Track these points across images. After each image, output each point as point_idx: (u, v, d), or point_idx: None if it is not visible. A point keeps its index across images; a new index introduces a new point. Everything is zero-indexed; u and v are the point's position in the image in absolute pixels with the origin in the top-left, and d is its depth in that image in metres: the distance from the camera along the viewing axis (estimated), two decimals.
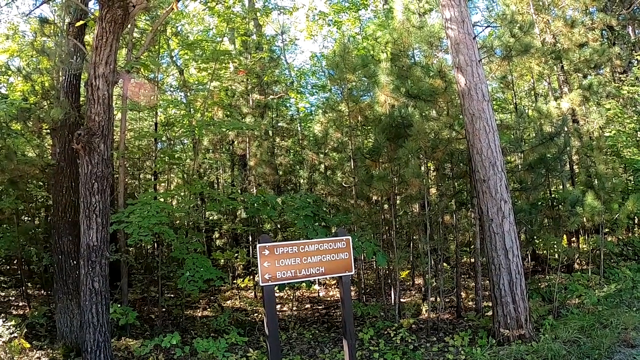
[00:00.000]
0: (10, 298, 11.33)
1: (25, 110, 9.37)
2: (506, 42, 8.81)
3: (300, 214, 8.92)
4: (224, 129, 12.44)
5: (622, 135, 13.63)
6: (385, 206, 10.51)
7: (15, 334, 7.64)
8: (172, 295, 11.71)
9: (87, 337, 6.17)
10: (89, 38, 9.99)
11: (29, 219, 12.22)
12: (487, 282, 8.45)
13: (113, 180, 9.71)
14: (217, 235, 15.64)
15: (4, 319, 7.97)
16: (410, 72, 9.93)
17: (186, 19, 15.97)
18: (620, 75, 16.46)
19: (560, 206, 10.31)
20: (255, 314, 10.72)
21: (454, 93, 9.09)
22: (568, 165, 12.30)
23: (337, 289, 12.62)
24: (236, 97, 16.11)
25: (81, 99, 9.17)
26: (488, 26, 10.19)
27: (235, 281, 13.26)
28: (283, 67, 19.12)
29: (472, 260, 11.27)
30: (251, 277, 13.07)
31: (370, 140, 12.55)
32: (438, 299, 9.58)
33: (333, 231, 8.40)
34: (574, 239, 12.64)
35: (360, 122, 12.15)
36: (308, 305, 11.79)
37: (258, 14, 17.33)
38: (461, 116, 8.58)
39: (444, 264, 11.17)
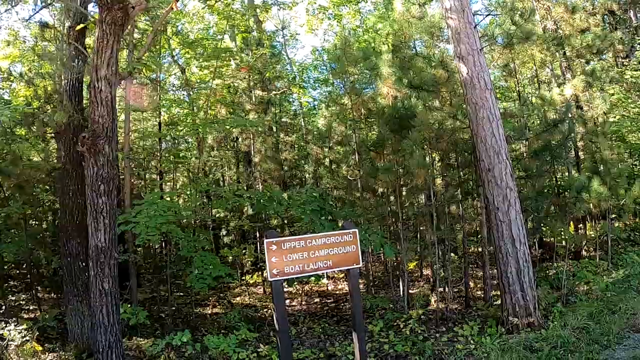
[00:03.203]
0: (21, 302, 11.39)
1: (29, 115, 9.39)
2: (507, 30, 8.77)
3: (306, 209, 8.93)
4: (227, 127, 12.46)
5: (627, 120, 13.56)
6: (391, 198, 10.52)
7: (27, 338, 7.71)
8: (181, 294, 11.77)
9: (99, 338, 6.22)
10: (89, 41, 9.99)
11: (37, 223, 12.26)
12: (495, 271, 8.45)
13: (119, 181, 9.75)
14: (224, 232, 15.65)
15: (16, 323, 8.05)
16: (412, 63, 9.90)
17: (186, 18, 15.94)
18: (623, 60, 16.33)
19: (566, 193, 10.29)
20: (265, 310, 10.76)
21: (456, 83, 9.06)
22: (573, 152, 12.24)
23: (345, 282, 12.65)
24: (239, 94, 16.11)
25: (84, 101, 9.19)
26: (488, 14, 10.15)
27: (243, 278, 13.32)
28: (284, 63, 19.10)
29: (480, 249, 11.26)
30: (259, 273, 13.12)
31: (374, 132, 12.55)
32: (446, 289, 9.60)
33: (340, 225, 8.41)
34: (581, 225, 12.61)
35: (364, 115, 12.14)
36: (317, 300, 11.83)
37: (258, 10, 17.29)
38: (464, 106, 8.56)
39: (452, 254, 11.18)
